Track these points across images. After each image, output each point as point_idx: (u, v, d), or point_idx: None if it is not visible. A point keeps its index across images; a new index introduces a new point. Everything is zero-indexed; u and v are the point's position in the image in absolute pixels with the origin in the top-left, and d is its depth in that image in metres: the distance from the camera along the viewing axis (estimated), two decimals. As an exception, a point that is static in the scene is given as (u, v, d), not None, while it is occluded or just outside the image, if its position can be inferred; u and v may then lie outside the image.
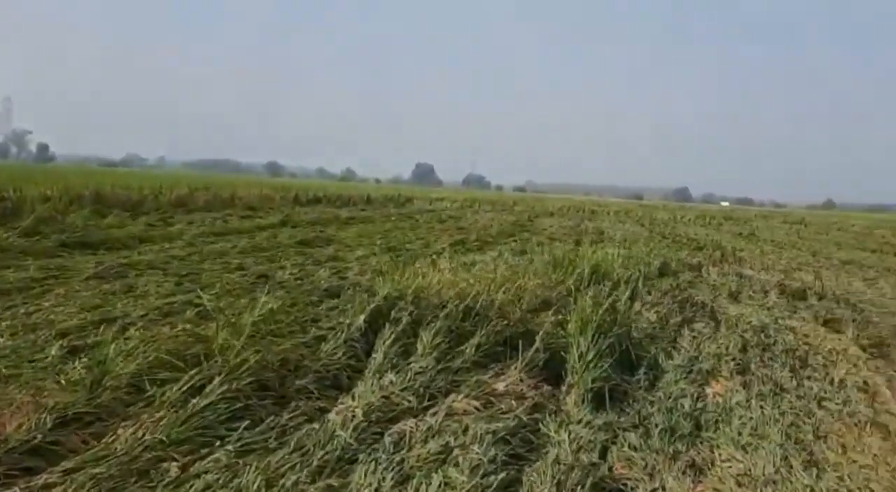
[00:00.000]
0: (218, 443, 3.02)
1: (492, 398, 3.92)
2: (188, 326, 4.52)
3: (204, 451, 2.95)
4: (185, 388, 3.45)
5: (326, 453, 2.97)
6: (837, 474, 3.03)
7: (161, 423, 3.06)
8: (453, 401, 3.79)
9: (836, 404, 4.00)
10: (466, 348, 4.55)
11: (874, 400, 4.12)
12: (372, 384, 3.91)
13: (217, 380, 3.50)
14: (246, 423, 3.25)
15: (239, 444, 3.02)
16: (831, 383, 4.45)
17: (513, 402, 3.88)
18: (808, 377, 4.59)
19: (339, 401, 3.70)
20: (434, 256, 9.32)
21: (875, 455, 3.23)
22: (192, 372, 3.59)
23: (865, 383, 4.43)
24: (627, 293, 6.68)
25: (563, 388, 4.15)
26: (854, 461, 3.18)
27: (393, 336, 4.56)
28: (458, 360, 4.41)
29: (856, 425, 3.63)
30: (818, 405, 3.97)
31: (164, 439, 2.94)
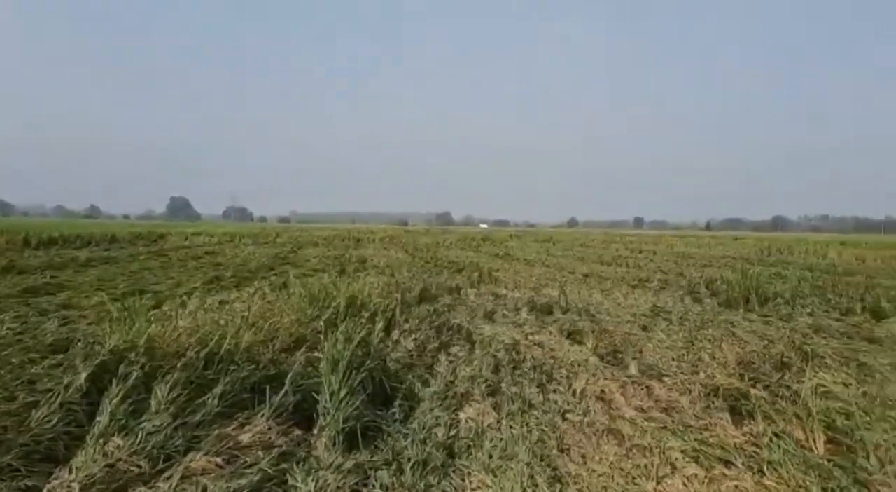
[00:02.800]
0: None
1: (236, 452, 3.66)
2: None
3: None
4: None
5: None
6: (578, 486, 3.21)
7: None
8: (191, 460, 3.46)
9: (578, 415, 4.28)
10: (208, 399, 4.20)
11: (610, 407, 4.46)
12: (94, 452, 3.46)
13: None
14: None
15: None
16: (574, 394, 4.77)
17: (259, 453, 3.65)
18: (554, 391, 4.89)
19: (53, 476, 3.21)
20: (184, 297, 8.68)
21: (611, 462, 3.48)
22: None
23: (603, 391, 4.80)
24: (381, 323, 6.70)
25: (315, 431, 3.97)
26: (593, 471, 3.38)
27: (121, 393, 4.07)
28: (198, 413, 4.06)
29: (594, 434, 3.90)
30: (562, 418, 4.23)
31: None
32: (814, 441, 3.72)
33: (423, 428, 4.08)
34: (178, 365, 4.56)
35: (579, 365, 5.61)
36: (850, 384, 4.83)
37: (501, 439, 3.82)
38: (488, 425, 4.08)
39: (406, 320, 7.63)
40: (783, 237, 66.81)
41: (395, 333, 6.84)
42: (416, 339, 6.61)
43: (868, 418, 4.07)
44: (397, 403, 4.57)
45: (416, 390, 4.93)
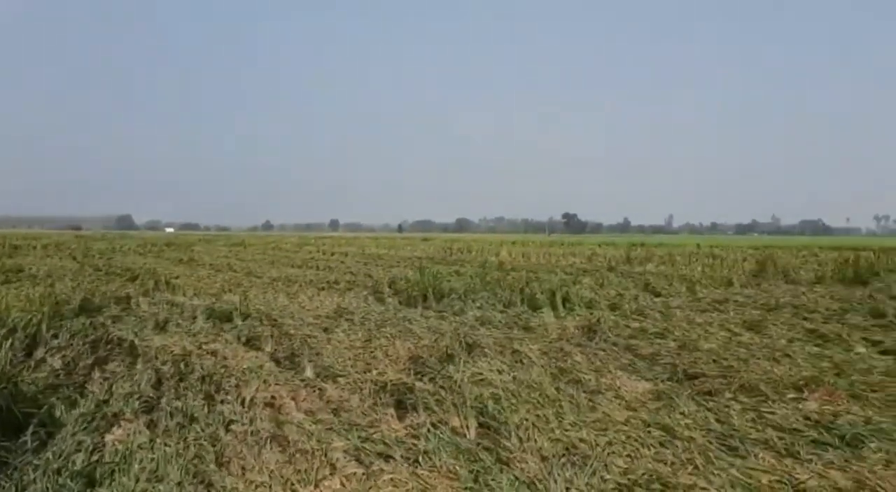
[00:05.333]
0: None
1: None
2: None
3: None
4: None
5: None
6: (232, 500, 3.05)
7: None
8: None
9: (243, 424, 4.16)
10: None
11: (280, 413, 4.39)
12: None
13: None
14: None
15: None
16: (242, 403, 4.60)
17: None
18: (222, 401, 4.69)
19: None
20: None
21: (272, 471, 3.40)
22: None
23: (273, 397, 4.71)
24: (20, 341, 5.87)
25: None
26: (251, 482, 3.29)
27: None
28: None
29: (257, 443, 3.79)
30: (226, 430, 4.08)
31: None
32: (467, 427, 4.03)
33: (60, 456, 3.63)
34: None
35: (252, 372, 5.46)
36: (503, 371, 5.35)
37: (153, 460, 3.54)
38: (139, 446, 3.76)
39: (55, 336, 6.78)
40: (465, 237, 73.10)
41: (40, 351, 6.04)
42: (65, 356, 5.90)
43: (514, 401, 4.53)
44: (30, 431, 4.00)
45: (59, 415, 4.38)
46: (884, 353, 6.49)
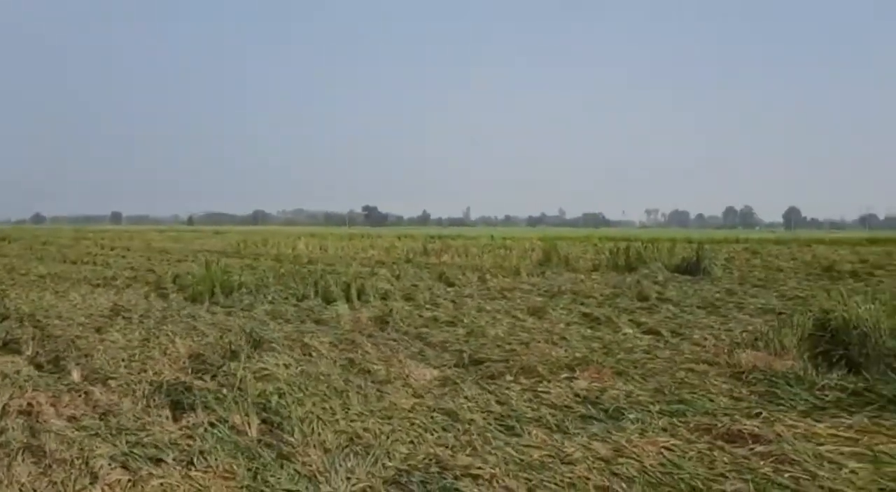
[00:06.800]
0: None
1: None
2: None
3: None
4: None
5: None
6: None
7: None
8: None
9: (-8, 435, 3.74)
10: None
11: (36, 422, 4.05)
12: None
13: None
14: None
15: None
16: (-7, 413, 4.17)
17: None
18: (-35, 415, 4.19)
19: None
20: None
21: (23, 484, 3.13)
22: None
23: (30, 405, 4.34)
24: None
25: None
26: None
27: None
28: None
29: (8, 455, 3.47)
30: (-31, 444, 3.63)
31: None
32: (248, 424, 3.94)
33: None
34: None
35: (6, 378, 4.98)
36: (290, 365, 5.29)
37: None
38: None
39: None
40: (262, 230, 71.27)
41: None
42: None
43: (300, 395, 4.50)
44: None
45: None
46: (646, 332, 7.26)
